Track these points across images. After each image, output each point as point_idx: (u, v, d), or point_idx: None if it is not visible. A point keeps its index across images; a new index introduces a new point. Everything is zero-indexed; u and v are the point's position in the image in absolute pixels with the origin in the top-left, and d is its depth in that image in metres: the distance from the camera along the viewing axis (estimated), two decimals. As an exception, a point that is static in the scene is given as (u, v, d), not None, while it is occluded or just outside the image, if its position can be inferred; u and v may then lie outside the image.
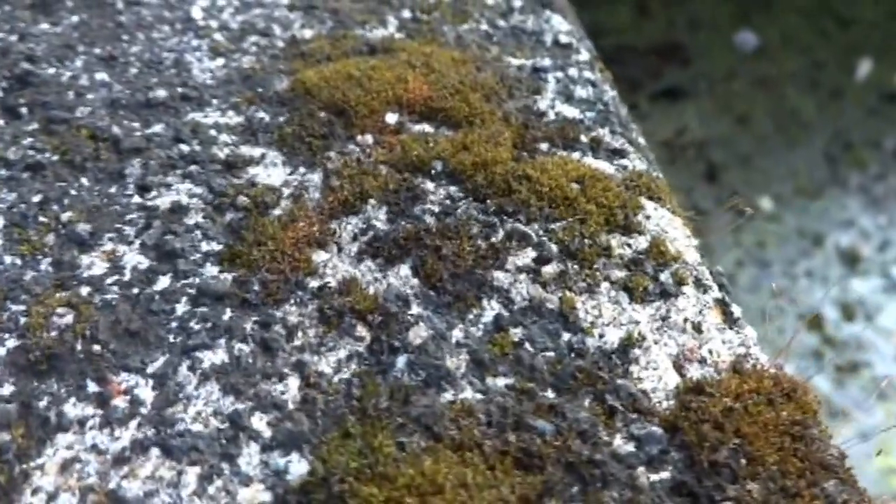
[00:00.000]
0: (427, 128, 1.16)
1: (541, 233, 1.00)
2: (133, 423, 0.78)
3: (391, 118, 1.17)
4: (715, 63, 4.04)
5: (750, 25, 4.19)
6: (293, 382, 0.83)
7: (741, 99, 3.90)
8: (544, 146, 1.13)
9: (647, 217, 1.04)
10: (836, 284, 3.11)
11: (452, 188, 1.06)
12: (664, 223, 1.04)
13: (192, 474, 0.75)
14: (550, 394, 0.83)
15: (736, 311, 0.95)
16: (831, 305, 3.04)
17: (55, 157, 1.09)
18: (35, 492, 0.73)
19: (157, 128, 1.15)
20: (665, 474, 0.76)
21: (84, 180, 1.07)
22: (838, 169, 3.61)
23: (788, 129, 3.79)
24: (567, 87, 1.26)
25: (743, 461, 0.76)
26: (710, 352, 0.88)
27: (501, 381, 0.84)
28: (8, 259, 0.95)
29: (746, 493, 0.73)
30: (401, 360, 0.85)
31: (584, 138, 1.15)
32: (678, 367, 0.87)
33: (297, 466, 0.76)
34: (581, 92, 1.26)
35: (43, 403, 0.80)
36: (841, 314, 3.00)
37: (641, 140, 1.22)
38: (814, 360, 2.82)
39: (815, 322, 2.94)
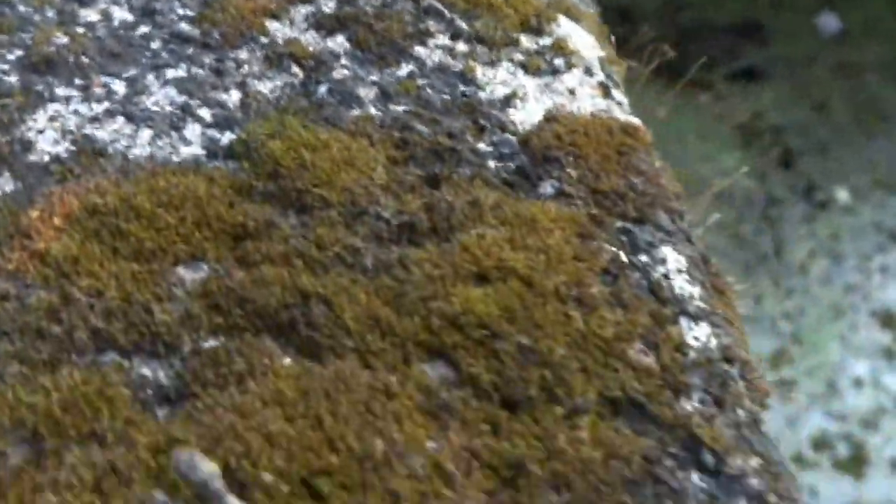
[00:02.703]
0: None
1: (462, 24, 1.29)
2: (106, 102, 1.09)
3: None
4: (795, 45, 4.08)
5: (833, 8, 4.21)
6: (235, 94, 1.13)
7: (820, 85, 3.93)
8: (481, -32, 1.42)
9: (559, 26, 1.33)
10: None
11: (395, -11, 1.35)
12: (574, 34, 1.32)
13: (146, 133, 1.05)
14: (437, 116, 1.12)
15: (618, 97, 1.23)
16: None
17: (67, -53, 1.40)
18: (28, 129, 1.04)
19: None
20: (510, 164, 1.05)
21: (89, -36, 1.38)
22: (919, 163, 3.63)
23: (868, 119, 3.83)
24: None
25: (571, 158, 1.04)
26: (579, 108, 1.17)
27: (401, 107, 1.13)
28: (21, 7, 1.27)
29: (567, 175, 1.02)
30: (322, 88, 1.15)
31: (517, -35, 1.44)
32: (547, 118, 1.15)
33: (228, 136, 1.06)
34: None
35: (39, 87, 1.11)
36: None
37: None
38: (885, 358, 2.93)
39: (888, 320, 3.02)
